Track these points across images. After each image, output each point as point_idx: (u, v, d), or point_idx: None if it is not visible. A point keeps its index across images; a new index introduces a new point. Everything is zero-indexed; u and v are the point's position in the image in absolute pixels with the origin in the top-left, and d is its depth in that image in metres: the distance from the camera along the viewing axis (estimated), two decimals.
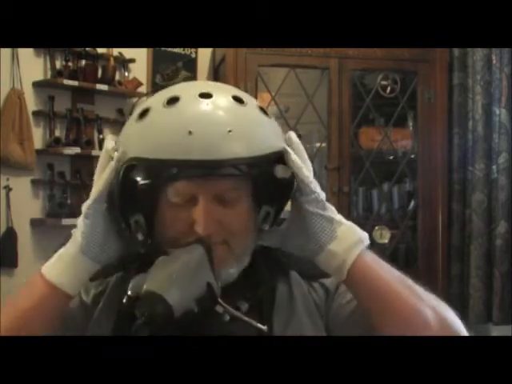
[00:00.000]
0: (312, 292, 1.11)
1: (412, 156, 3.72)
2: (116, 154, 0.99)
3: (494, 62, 3.57)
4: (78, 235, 1.00)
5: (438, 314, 1.00)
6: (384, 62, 3.61)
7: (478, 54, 3.60)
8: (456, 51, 3.68)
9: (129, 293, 0.95)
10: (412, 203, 3.74)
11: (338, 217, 1.02)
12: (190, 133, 0.94)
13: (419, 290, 1.02)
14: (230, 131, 0.95)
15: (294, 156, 1.00)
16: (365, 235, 1.02)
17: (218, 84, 1.08)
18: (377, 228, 3.61)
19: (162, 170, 1.00)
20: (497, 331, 3.40)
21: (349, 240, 1.00)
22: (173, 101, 0.98)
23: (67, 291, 1.00)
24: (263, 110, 1.02)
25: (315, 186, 1.01)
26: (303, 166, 1.01)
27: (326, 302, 1.10)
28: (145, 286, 0.92)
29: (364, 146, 3.68)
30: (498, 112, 3.55)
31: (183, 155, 0.94)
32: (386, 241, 3.62)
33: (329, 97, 3.53)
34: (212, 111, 0.97)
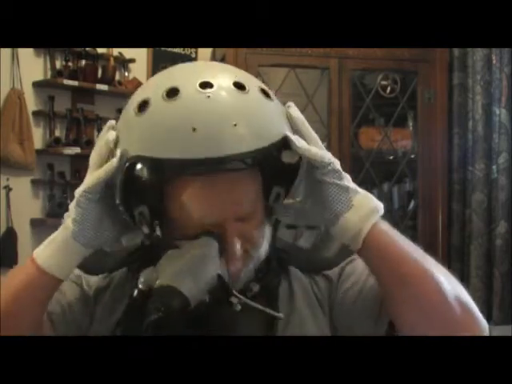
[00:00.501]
0: (314, 286, 1.11)
1: (412, 156, 3.72)
2: (118, 151, 0.96)
3: (494, 62, 3.57)
4: (69, 221, 0.99)
5: (451, 283, 1.00)
6: (384, 62, 3.61)
7: (478, 54, 3.60)
8: (456, 51, 3.68)
9: (140, 286, 0.94)
10: (412, 203, 3.74)
11: (353, 185, 1.01)
12: (193, 130, 0.92)
13: (432, 260, 1.02)
14: (234, 125, 0.93)
15: (297, 142, 0.98)
16: (380, 204, 1.01)
17: (217, 67, 1.04)
18: None
19: (166, 169, 0.98)
20: (497, 331, 3.40)
21: (365, 209, 0.99)
22: (172, 93, 0.95)
23: (56, 275, 0.99)
24: (265, 93, 1.00)
25: (329, 157, 1.00)
26: (310, 146, 0.99)
27: (330, 292, 1.10)
28: (158, 281, 0.92)
29: (364, 146, 3.68)
30: (498, 112, 3.55)
31: (188, 153, 0.92)
32: None
33: (329, 97, 3.54)
34: (215, 105, 0.94)
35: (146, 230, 1.01)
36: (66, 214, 1.00)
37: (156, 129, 0.95)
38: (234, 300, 0.98)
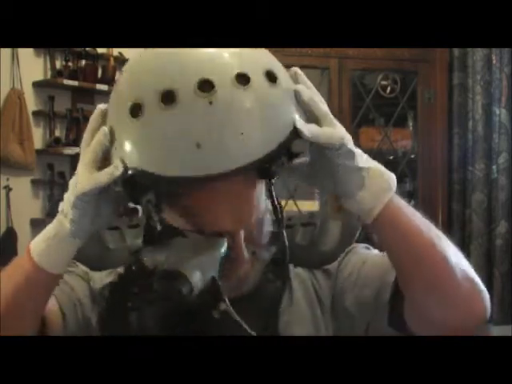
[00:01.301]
0: (314, 281, 1.11)
1: (412, 156, 3.72)
2: (118, 161, 0.90)
3: (494, 62, 3.57)
4: (66, 221, 0.95)
5: (458, 256, 0.99)
6: (384, 62, 3.61)
7: (478, 54, 3.61)
8: (456, 51, 3.68)
9: (144, 260, 0.93)
10: (412, 203, 3.74)
11: (365, 163, 0.96)
12: (198, 146, 0.85)
13: (441, 233, 1.00)
14: (241, 134, 0.86)
15: (307, 131, 0.90)
16: (393, 178, 0.97)
17: (215, 55, 0.93)
18: None
19: (169, 183, 0.90)
20: (497, 331, 3.41)
21: (378, 186, 0.95)
22: (169, 97, 0.87)
23: (53, 271, 0.98)
24: (270, 76, 0.91)
25: (341, 136, 0.92)
26: (321, 128, 0.91)
27: (331, 285, 1.10)
28: (168, 264, 0.91)
29: (364, 146, 3.68)
30: (498, 112, 3.55)
31: (193, 171, 0.86)
32: None
33: (329, 97, 3.53)
34: (218, 113, 0.86)
35: (155, 217, 0.95)
36: (60, 207, 0.98)
37: (155, 142, 0.88)
38: (222, 306, 0.96)
